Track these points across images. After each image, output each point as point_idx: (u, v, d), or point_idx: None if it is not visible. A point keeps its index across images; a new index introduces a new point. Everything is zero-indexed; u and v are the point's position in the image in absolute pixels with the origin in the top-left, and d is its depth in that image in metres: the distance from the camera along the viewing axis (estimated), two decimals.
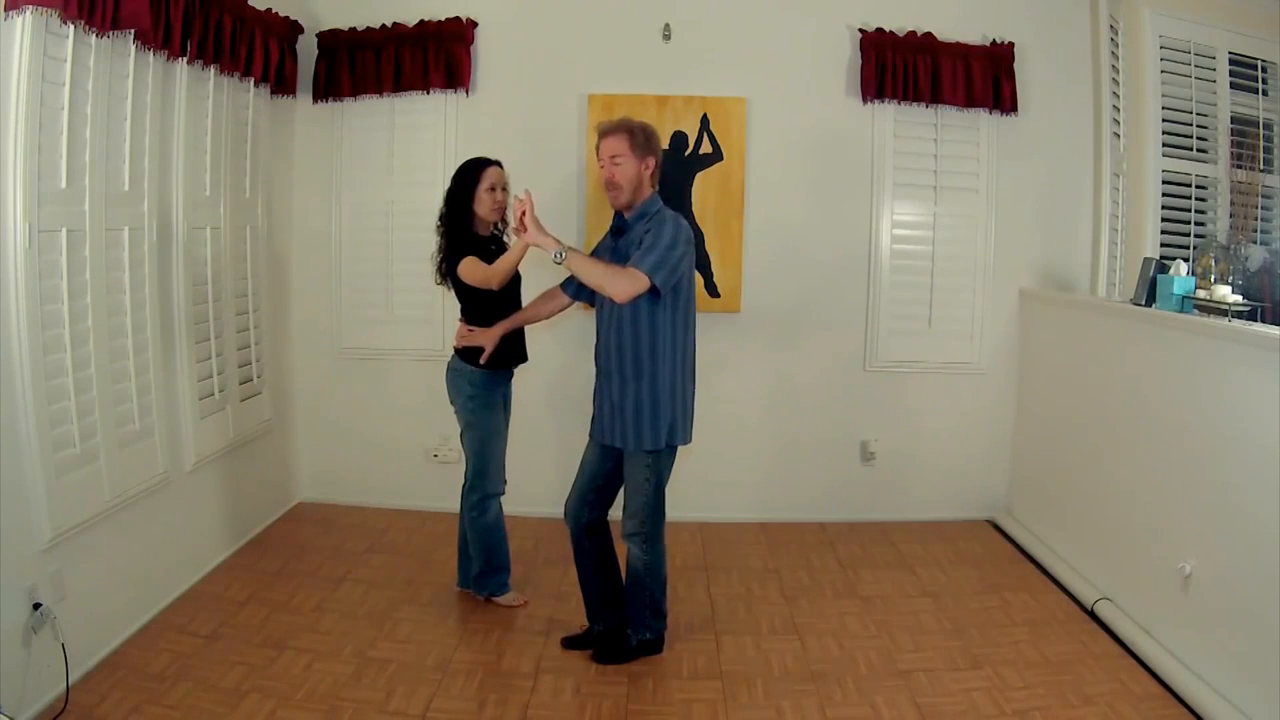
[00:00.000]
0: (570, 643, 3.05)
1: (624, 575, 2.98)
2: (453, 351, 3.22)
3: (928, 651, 3.05)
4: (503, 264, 2.96)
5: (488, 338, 3.09)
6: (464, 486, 3.30)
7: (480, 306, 3.12)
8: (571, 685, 2.81)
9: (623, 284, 2.61)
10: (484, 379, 3.17)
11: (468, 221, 3.13)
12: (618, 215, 2.86)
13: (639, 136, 2.76)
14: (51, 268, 2.60)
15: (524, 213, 2.67)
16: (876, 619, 3.30)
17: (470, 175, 3.12)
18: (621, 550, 2.96)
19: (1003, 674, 2.89)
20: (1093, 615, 3.31)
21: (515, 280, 3.16)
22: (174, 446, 3.25)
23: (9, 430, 2.46)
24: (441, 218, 3.15)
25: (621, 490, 2.92)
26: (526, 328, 3.24)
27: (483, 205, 3.12)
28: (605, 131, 2.77)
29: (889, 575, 3.70)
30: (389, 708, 2.65)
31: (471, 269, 3.01)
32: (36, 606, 2.52)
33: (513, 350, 3.21)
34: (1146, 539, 3.11)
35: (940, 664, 2.96)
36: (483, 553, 3.30)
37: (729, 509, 4.30)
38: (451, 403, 3.23)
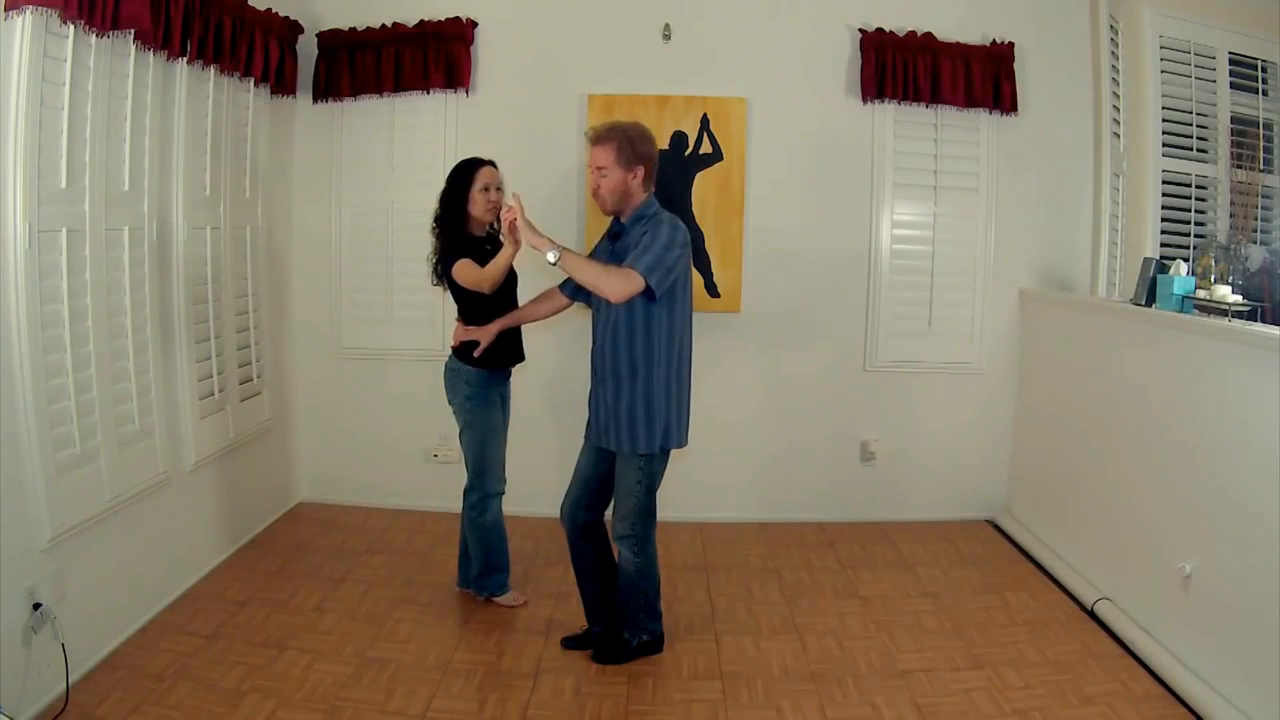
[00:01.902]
0: (570, 643, 3.04)
1: (618, 577, 2.97)
2: (450, 351, 3.22)
3: (928, 651, 3.05)
4: (492, 269, 2.94)
5: (484, 333, 3.09)
6: (465, 486, 3.31)
7: (476, 307, 3.12)
8: (571, 685, 2.81)
9: (617, 283, 2.59)
10: (481, 379, 3.17)
11: (462, 222, 3.13)
12: (615, 219, 2.86)
13: (626, 147, 2.70)
14: (51, 268, 2.60)
15: (513, 220, 2.68)
16: (876, 619, 3.30)
17: (463, 176, 3.12)
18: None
19: (1003, 674, 2.89)
20: (1093, 615, 3.31)
21: (511, 280, 3.16)
22: (174, 446, 3.25)
23: (9, 430, 2.46)
24: (436, 219, 3.16)
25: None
26: (523, 328, 3.25)
27: (477, 206, 3.12)
28: (594, 140, 2.74)
29: (889, 575, 3.70)
30: (389, 708, 2.65)
31: (464, 272, 3.01)
32: (36, 606, 2.52)
33: (509, 350, 3.21)
34: (1146, 539, 3.11)
35: (940, 664, 2.96)
36: (482, 553, 3.30)
37: (728, 509, 4.30)
38: (450, 403, 3.24)
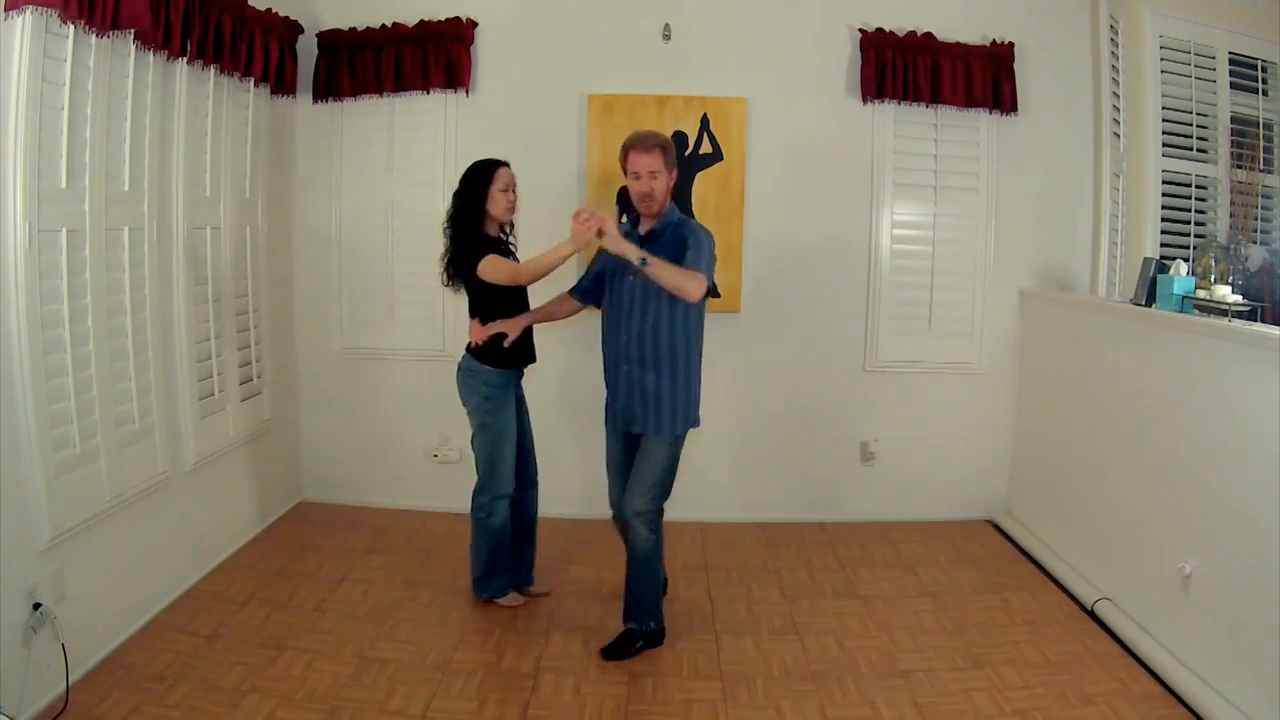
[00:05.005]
0: (612, 652, 3.01)
1: (630, 562, 3.02)
2: (464, 352, 3.22)
3: (928, 651, 3.05)
4: (539, 263, 2.93)
5: (512, 325, 3.11)
6: (474, 488, 3.29)
7: (493, 306, 3.12)
8: (571, 685, 2.81)
9: (694, 286, 2.78)
10: (499, 379, 3.17)
11: (479, 222, 3.13)
12: (626, 223, 2.91)
13: (670, 153, 2.94)
14: (51, 268, 2.60)
15: (602, 227, 2.77)
16: (876, 619, 3.30)
17: (484, 176, 3.12)
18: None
19: (1003, 674, 2.89)
20: (1093, 615, 3.31)
21: None
22: (174, 446, 3.25)
23: (9, 430, 2.46)
24: (450, 219, 3.15)
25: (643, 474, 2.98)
26: (533, 328, 3.25)
27: (496, 205, 3.12)
28: (638, 146, 2.91)
29: (889, 575, 3.70)
30: (389, 708, 2.65)
31: (497, 266, 3.02)
32: (36, 606, 2.52)
33: (523, 350, 3.22)
34: (1146, 539, 3.11)
35: (940, 664, 2.97)
36: (487, 555, 3.30)
37: (729, 509, 4.30)
38: (464, 403, 3.23)
